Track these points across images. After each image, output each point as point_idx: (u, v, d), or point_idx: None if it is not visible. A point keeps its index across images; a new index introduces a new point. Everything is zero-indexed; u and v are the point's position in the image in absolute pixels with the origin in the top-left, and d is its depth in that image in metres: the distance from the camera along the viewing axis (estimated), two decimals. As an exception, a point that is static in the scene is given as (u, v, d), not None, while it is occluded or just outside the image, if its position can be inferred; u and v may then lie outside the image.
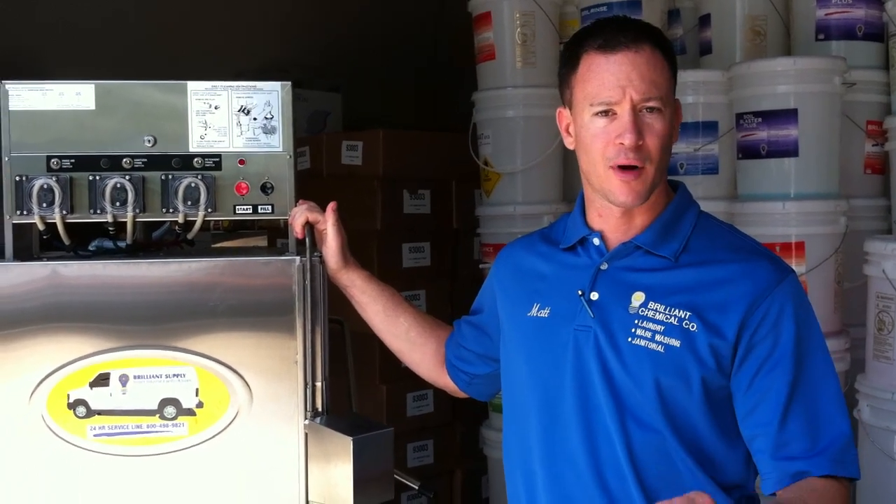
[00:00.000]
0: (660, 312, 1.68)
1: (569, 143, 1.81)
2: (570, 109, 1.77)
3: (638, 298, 1.70)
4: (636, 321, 1.68)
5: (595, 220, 1.80)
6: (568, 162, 3.75)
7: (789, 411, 1.62)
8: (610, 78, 1.67)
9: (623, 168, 1.67)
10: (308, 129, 5.13)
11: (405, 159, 4.14)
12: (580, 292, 1.74)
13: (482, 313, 2.02)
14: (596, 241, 1.78)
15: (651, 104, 1.67)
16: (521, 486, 1.81)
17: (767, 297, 1.65)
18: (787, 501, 1.54)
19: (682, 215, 1.78)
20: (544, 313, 1.78)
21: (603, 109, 1.68)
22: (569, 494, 1.72)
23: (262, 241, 3.95)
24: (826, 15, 3.32)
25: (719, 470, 1.67)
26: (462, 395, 2.11)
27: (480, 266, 3.87)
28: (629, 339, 1.68)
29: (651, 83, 1.67)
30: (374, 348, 3.71)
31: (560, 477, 1.73)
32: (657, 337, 1.66)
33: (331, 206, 1.99)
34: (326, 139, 4.33)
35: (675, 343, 1.65)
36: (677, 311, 1.67)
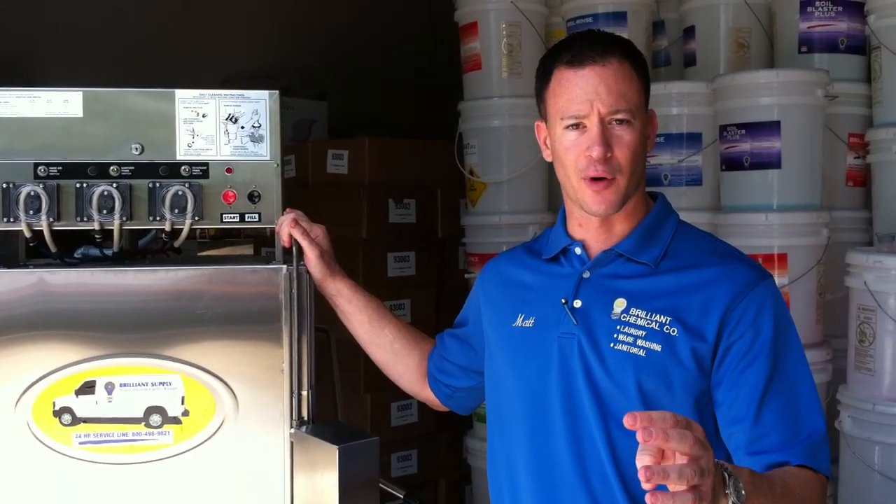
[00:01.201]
0: (641, 318, 1.70)
1: (546, 155, 1.84)
2: (546, 122, 1.80)
3: (620, 305, 1.72)
4: (618, 327, 1.70)
5: (576, 230, 1.83)
6: (553, 172, 3.74)
7: (764, 404, 1.63)
8: (578, 92, 1.70)
9: (594, 179, 1.70)
10: (293, 137, 5.14)
11: (391, 168, 4.14)
12: (564, 301, 1.76)
13: (467, 326, 2.03)
14: (578, 250, 1.81)
15: (619, 116, 1.69)
16: (507, 494, 1.82)
17: (746, 296, 1.68)
18: (765, 475, 1.52)
19: (661, 223, 1.80)
20: (529, 323, 1.80)
21: (573, 123, 1.71)
22: (555, 500, 1.72)
23: (247, 250, 3.95)
24: (809, 28, 3.36)
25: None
26: (443, 408, 2.12)
27: (466, 275, 3.87)
28: (611, 345, 1.70)
29: (619, 96, 1.69)
30: (359, 357, 3.67)
31: (547, 483, 1.74)
32: (639, 342, 1.68)
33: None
34: (312, 147, 4.33)
35: (657, 347, 1.67)
36: (658, 316, 1.69)
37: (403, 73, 5.62)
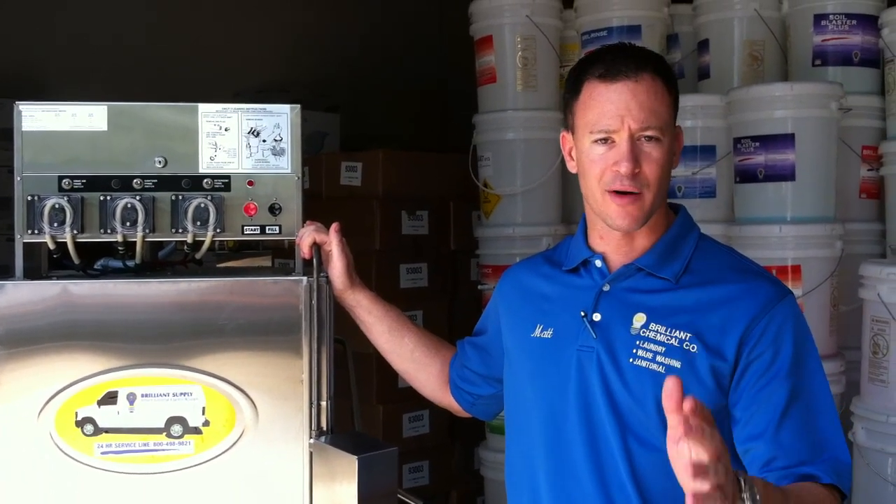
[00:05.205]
0: (661, 334, 1.70)
1: (571, 166, 1.84)
2: (573, 134, 1.80)
3: (639, 320, 1.72)
4: (637, 342, 1.70)
5: (597, 243, 1.83)
6: (567, 184, 3.78)
7: (783, 424, 1.63)
8: (609, 107, 1.69)
9: (620, 193, 1.70)
10: (305, 150, 5.14)
11: (404, 180, 4.17)
12: (583, 313, 1.76)
13: (485, 334, 2.04)
14: (598, 262, 1.81)
15: (649, 133, 1.69)
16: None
17: (767, 314, 1.67)
18: (778, 487, 1.50)
19: (683, 237, 1.80)
20: (548, 334, 1.80)
21: (602, 137, 1.70)
22: (575, 512, 1.73)
23: (266, 261, 3.96)
24: (823, 41, 3.38)
25: (720, 490, 1.69)
26: (466, 414, 2.12)
27: (479, 287, 3.89)
28: (630, 360, 1.70)
29: (650, 112, 1.69)
30: (371, 368, 3.73)
31: (566, 495, 1.74)
32: (658, 358, 1.68)
33: (334, 226, 2.01)
34: (326, 160, 4.36)
35: (676, 364, 1.67)
36: (678, 332, 1.69)
37: (414, 86, 5.65)
